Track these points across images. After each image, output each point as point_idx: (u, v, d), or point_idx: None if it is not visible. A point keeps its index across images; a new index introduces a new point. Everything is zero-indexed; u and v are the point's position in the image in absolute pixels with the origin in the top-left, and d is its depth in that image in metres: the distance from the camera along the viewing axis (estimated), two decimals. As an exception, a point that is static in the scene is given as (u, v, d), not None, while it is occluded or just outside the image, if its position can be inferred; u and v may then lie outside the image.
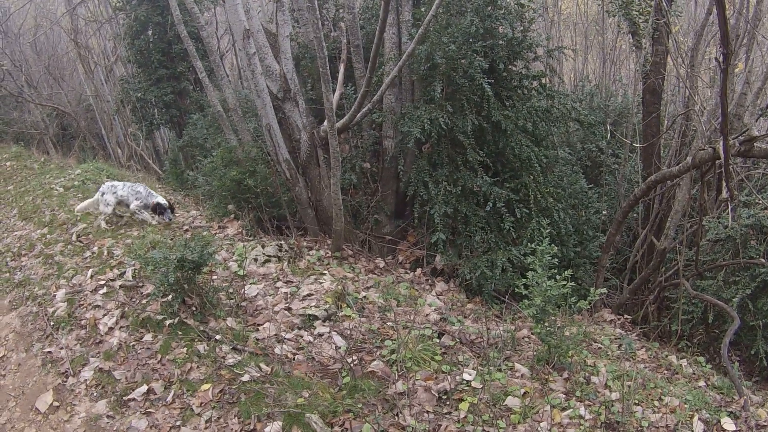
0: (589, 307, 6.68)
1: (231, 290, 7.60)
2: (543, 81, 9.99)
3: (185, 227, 9.91)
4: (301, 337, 6.87)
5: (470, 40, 8.94)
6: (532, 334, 7.26)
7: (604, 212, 11.13)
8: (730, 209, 8.59)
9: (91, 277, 8.08)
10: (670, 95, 15.19)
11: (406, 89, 9.76)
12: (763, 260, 8.57)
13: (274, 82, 9.36)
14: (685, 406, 5.99)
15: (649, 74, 11.86)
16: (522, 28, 9.49)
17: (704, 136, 8.72)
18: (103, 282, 7.85)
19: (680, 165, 8.28)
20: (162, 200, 9.83)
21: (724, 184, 6.69)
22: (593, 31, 20.84)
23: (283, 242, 8.85)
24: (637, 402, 5.98)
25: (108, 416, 5.86)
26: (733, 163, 7.98)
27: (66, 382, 6.42)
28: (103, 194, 9.62)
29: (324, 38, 8.23)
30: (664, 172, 9.11)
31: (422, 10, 9.68)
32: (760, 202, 8.95)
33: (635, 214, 12.30)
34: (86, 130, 23.56)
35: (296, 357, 6.51)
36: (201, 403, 5.81)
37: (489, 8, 9.10)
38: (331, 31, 11.31)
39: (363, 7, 11.26)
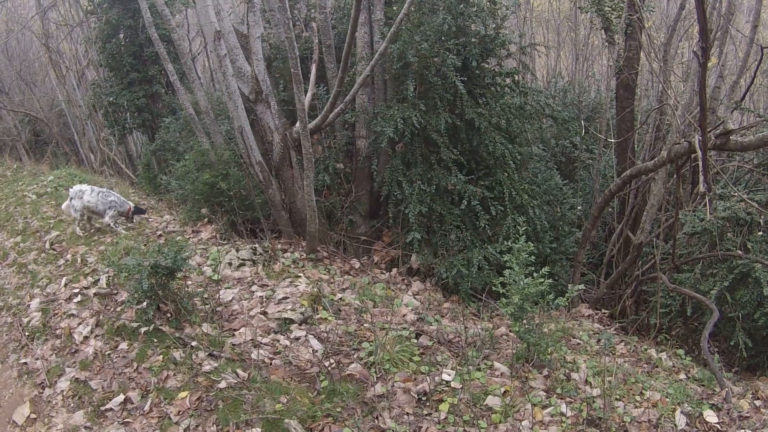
0: (567, 303, 6.66)
1: (206, 295, 7.52)
2: (516, 78, 9.99)
3: (159, 232, 9.81)
4: (278, 341, 6.82)
5: (443, 38, 8.92)
6: (510, 331, 7.25)
7: (579, 208, 11.15)
8: (706, 202, 8.63)
9: (65, 285, 8.01)
10: (644, 90, 15.29)
11: (379, 89, 9.71)
12: (740, 252, 8.60)
13: (245, 84, 9.28)
14: (667, 399, 5.99)
15: (623, 70, 11.88)
16: (495, 25, 9.47)
17: (679, 130, 8.76)
18: (77, 290, 7.78)
19: (655, 159, 8.29)
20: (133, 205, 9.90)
21: (700, 177, 6.69)
22: (566, 27, 20.99)
23: (257, 245, 8.79)
24: (618, 397, 5.98)
25: (86, 427, 5.78)
26: (708, 156, 8.01)
27: (43, 393, 6.33)
28: (71, 199, 9.48)
29: (296, 39, 8.18)
30: (639, 166, 9.12)
31: (394, 8, 9.63)
32: (736, 194, 8.97)
33: (611, 209, 12.34)
34: (59, 135, 23.35)
35: (273, 362, 6.46)
36: (179, 412, 5.75)
37: (461, 6, 9.07)
38: (303, 32, 11.25)
39: (335, 7, 11.21)
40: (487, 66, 9.63)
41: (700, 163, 6.55)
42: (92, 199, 9.44)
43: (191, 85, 11.51)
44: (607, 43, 13.27)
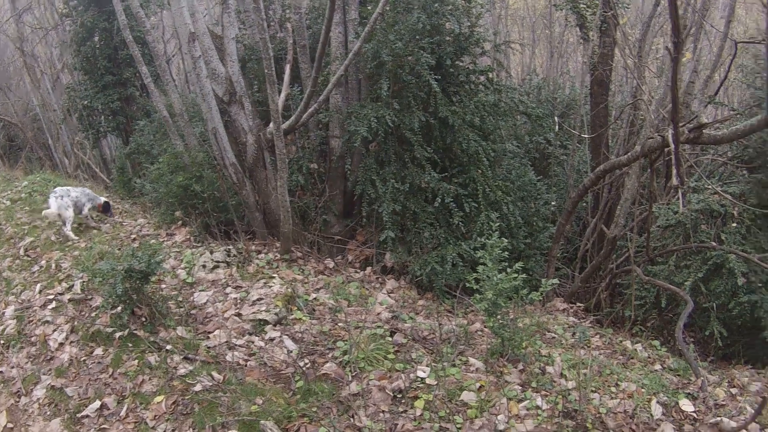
0: (541, 297, 6.69)
1: (180, 298, 7.50)
2: (490, 76, 10.02)
3: (133, 236, 9.74)
4: (253, 342, 6.81)
5: (417, 37, 8.94)
6: (485, 327, 7.28)
7: (553, 203, 11.20)
8: (680, 195, 8.69)
9: (40, 292, 7.95)
10: (618, 86, 15.40)
11: (353, 88, 9.71)
12: (714, 243, 8.69)
13: (219, 85, 9.25)
14: (643, 390, 6.06)
15: (597, 66, 11.95)
16: (469, 23, 9.51)
17: (653, 125, 8.80)
18: (51, 296, 7.74)
19: (629, 154, 8.35)
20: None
21: (674, 170, 6.75)
22: (541, 25, 21.07)
23: (231, 247, 8.76)
24: (593, 389, 6.04)
25: (63, 435, 5.75)
26: (682, 150, 8.07)
27: (19, 401, 6.32)
28: (61, 197, 9.49)
29: (270, 39, 8.16)
30: (613, 161, 9.18)
31: (369, 8, 9.63)
32: (710, 187, 9.05)
33: (585, 204, 12.41)
34: (33, 140, 23.14)
35: (248, 363, 6.45)
36: (155, 416, 5.74)
37: (436, 5, 9.09)
38: (278, 32, 11.23)
39: (309, 7, 11.18)
40: (461, 64, 9.67)
41: (673, 157, 6.61)
42: (77, 194, 9.74)
43: (166, 88, 11.44)
44: (581, 40, 13.34)
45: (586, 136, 12.25)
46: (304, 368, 6.26)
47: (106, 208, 10.32)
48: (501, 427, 5.48)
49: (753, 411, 5.46)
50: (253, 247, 9.13)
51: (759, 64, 9.75)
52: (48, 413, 6.06)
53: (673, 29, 5.63)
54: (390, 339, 6.91)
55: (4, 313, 7.74)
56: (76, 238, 9.52)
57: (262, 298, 7.55)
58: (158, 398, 5.91)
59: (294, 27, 9.63)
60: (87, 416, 5.87)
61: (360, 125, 8.76)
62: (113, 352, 6.54)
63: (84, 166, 20.81)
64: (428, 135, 9.23)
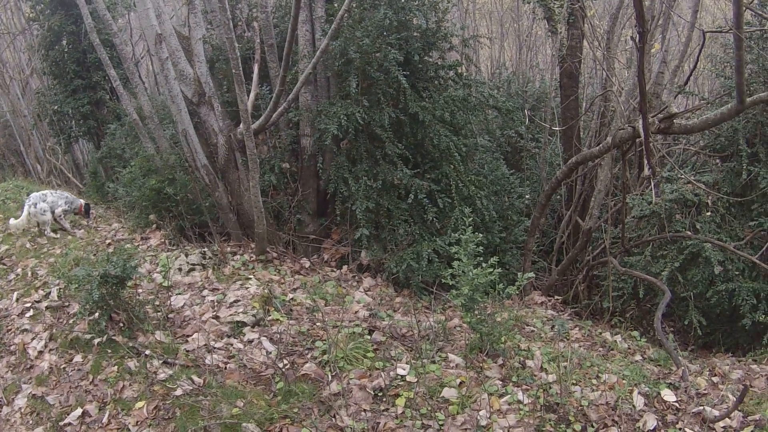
0: (518, 291, 6.72)
1: (157, 302, 7.45)
2: (459, 70, 10.02)
3: (108, 241, 9.69)
4: (231, 345, 6.78)
5: (384, 33, 8.91)
6: (463, 323, 7.27)
7: (527, 196, 11.23)
8: (653, 186, 8.75)
9: (17, 300, 7.86)
10: (588, 78, 15.43)
11: (322, 86, 9.68)
12: (689, 233, 8.75)
13: (188, 87, 9.20)
14: (624, 381, 6.10)
15: (566, 58, 12.01)
16: (436, 18, 9.51)
17: (623, 116, 8.86)
18: (29, 304, 7.66)
19: (601, 145, 8.40)
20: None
21: (644, 161, 6.80)
22: (509, 18, 21.11)
23: (206, 249, 8.72)
24: (574, 382, 6.06)
25: (46, 444, 5.71)
26: (653, 140, 8.13)
27: (1, 411, 6.25)
28: (35, 205, 9.53)
29: (238, 39, 8.13)
30: (585, 153, 9.23)
31: (335, 5, 9.60)
32: (683, 176, 9.12)
33: (559, 196, 12.46)
34: (4, 147, 22.86)
35: (228, 366, 6.43)
36: (137, 422, 5.71)
37: (402, 0, 9.08)
38: (245, 32, 11.19)
39: (276, 6, 11.13)
40: (429, 59, 9.67)
41: (644, 148, 6.67)
42: (53, 198, 9.83)
43: (135, 90, 11.36)
44: (549, 33, 13.39)
45: (557, 128, 12.31)
46: (283, 369, 6.24)
47: (86, 210, 10.45)
48: (483, 422, 5.49)
49: (735, 399, 5.51)
50: (228, 249, 9.10)
51: (728, 53, 9.83)
52: (30, 422, 6.02)
53: (637, 19, 5.69)
54: (369, 337, 6.91)
55: (-19, 322, 7.67)
56: (55, 236, 9.62)
57: (239, 300, 7.53)
58: (139, 404, 5.87)
59: (261, 26, 9.57)
60: (69, 424, 5.84)
61: (330, 123, 8.73)
62: (92, 359, 6.50)
63: (57, 171, 20.58)
64: (399, 131, 9.23)
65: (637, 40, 5.83)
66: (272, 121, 8.97)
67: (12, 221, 9.65)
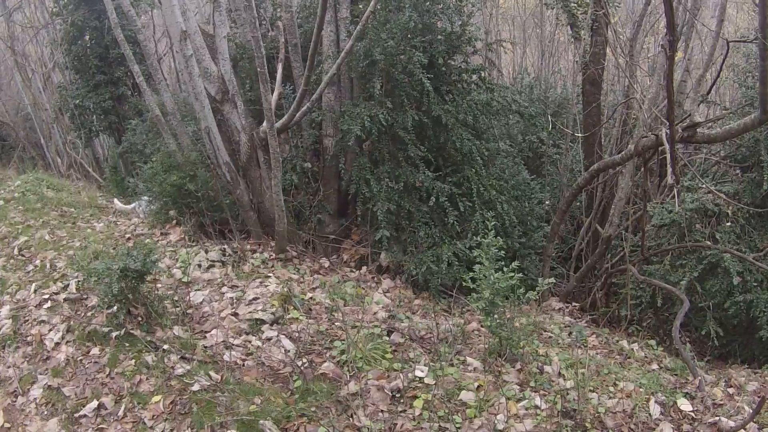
0: (537, 297, 6.70)
1: (176, 298, 7.46)
2: (482, 74, 9.98)
3: (127, 235, 9.73)
4: (250, 342, 6.78)
5: (409, 36, 8.90)
6: (481, 326, 7.26)
7: (547, 202, 11.20)
8: (675, 194, 8.72)
9: (35, 291, 7.84)
10: (610, 85, 15.39)
11: (345, 87, 9.67)
12: (709, 243, 8.72)
13: (211, 84, 9.22)
14: (641, 389, 6.06)
15: (589, 65, 11.96)
16: (461, 22, 9.48)
17: (645, 124, 8.83)
18: (47, 296, 7.64)
19: (623, 153, 8.37)
20: None
21: (668, 169, 6.78)
22: (532, 23, 21.09)
23: (226, 246, 8.73)
24: (592, 389, 6.04)
25: (60, 435, 5.73)
26: (676, 149, 8.11)
27: (16, 401, 6.22)
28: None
29: (262, 38, 8.14)
30: (606, 160, 9.20)
31: (360, 6, 9.61)
32: (704, 186, 9.08)
33: (579, 203, 12.42)
34: (25, 140, 23.05)
35: (246, 363, 6.43)
36: (153, 416, 5.70)
37: (427, 3, 9.08)
38: (269, 31, 11.19)
39: (301, 6, 11.14)
40: (453, 63, 9.65)
41: (668, 156, 6.64)
42: None
43: (157, 87, 11.40)
44: (572, 39, 13.36)
45: (579, 135, 12.26)
46: (302, 368, 6.23)
47: None
48: (500, 426, 5.47)
49: (751, 411, 5.48)
50: (248, 247, 9.11)
51: (750, 63, 9.79)
52: (45, 413, 6.00)
53: (668, 26, 5.67)
54: (387, 338, 6.90)
55: (-1, 312, 7.71)
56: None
57: (258, 298, 7.53)
58: (156, 398, 5.87)
59: (285, 25, 9.58)
60: (85, 416, 5.82)
61: (353, 124, 8.73)
62: (110, 352, 6.49)
63: (76, 165, 20.76)
64: (421, 134, 9.21)
65: (667, 47, 5.81)
66: (295, 121, 8.97)
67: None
